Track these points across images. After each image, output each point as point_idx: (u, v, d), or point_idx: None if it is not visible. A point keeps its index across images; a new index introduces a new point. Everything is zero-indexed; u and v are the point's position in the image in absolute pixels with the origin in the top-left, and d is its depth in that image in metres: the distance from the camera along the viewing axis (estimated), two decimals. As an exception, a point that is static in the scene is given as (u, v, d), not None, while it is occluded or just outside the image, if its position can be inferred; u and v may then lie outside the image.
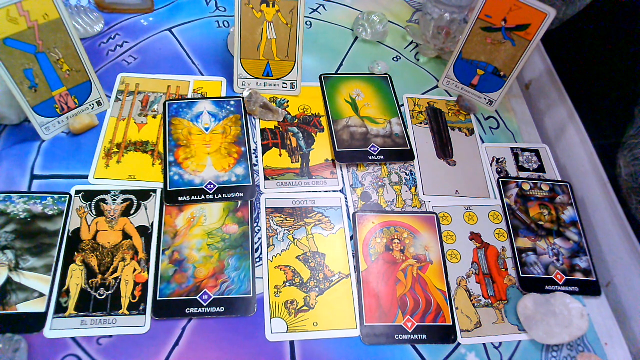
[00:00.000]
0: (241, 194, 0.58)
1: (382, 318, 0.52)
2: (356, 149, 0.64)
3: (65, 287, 0.49)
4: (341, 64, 0.75)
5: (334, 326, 0.51)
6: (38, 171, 0.57)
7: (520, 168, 0.67)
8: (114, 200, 0.56)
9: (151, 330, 0.49)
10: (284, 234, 0.56)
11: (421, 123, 0.69)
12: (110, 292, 0.50)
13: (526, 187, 0.64)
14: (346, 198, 0.60)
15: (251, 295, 0.51)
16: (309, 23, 0.79)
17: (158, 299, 0.50)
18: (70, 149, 0.59)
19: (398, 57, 0.77)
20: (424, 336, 0.52)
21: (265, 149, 0.63)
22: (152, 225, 0.55)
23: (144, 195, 0.56)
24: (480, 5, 0.66)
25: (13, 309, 0.48)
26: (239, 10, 0.63)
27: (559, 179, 0.66)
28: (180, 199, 0.56)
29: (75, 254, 0.52)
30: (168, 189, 0.57)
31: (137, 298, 0.50)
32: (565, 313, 0.52)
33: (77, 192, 0.56)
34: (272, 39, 0.65)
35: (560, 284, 0.57)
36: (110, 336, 0.48)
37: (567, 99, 0.72)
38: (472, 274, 0.57)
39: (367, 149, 0.64)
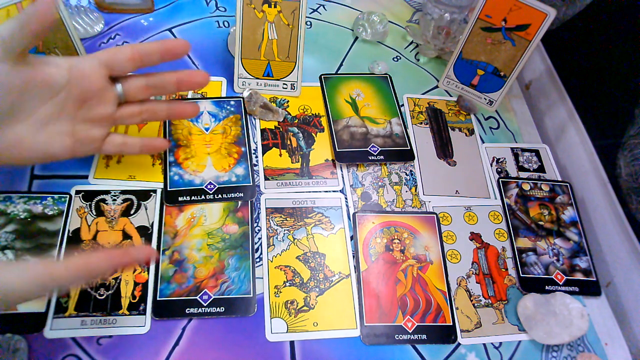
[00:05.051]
0: (241, 194, 0.58)
1: (382, 318, 0.52)
2: (356, 149, 0.64)
3: (65, 287, 0.50)
4: (341, 64, 0.75)
5: (334, 326, 0.51)
6: (38, 171, 0.57)
7: (520, 168, 0.67)
8: (114, 200, 0.56)
9: (151, 330, 0.49)
10: (284, 234, 0.56)
11: (421, 123, 0.69)
12: (110, 292, 0.50)
13: (526, 187, 0.64)
14: (346, 198, 0.60)
15: (251, 295, 0.51)
16: (309, 23, 0.79)
17: (158, 299, 0.50)
18: (70, 149, 0.59)
19: (398, 57, 0.78)
20: (424, 336, 0.52)
21: (265, 149, 0.63)
22: (152, 225, 0.55)
23: (144, 195, 0.56)
24: (480, 5, 0.66)
25: (13, 309, 0.48)
26: (240, 10, 0.63)
27: (559, 179, 0.66)
28: (180, 199, 0.56)
29: (75, 254, 0.51)
30: (168, 189, 0.57)
31: (137, 298, 0.50)
32: (565, 313, 0.52)
33: (77, 192, 0.56)
34: (273, 39, 0.65)
35: (560, 284, 0.57)
36: (110, 336, 0.48)
37: (567, 99, 0.72)
38: (472, 274, 0.57)
39: (367, 149, 0.64)
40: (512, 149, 0.69)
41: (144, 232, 0.54)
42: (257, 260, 0.54)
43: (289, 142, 0.64)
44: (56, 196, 0.55)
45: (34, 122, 0.42)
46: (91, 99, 0.44)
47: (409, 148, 0.65)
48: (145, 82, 0.47)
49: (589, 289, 0.57)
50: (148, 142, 0.52)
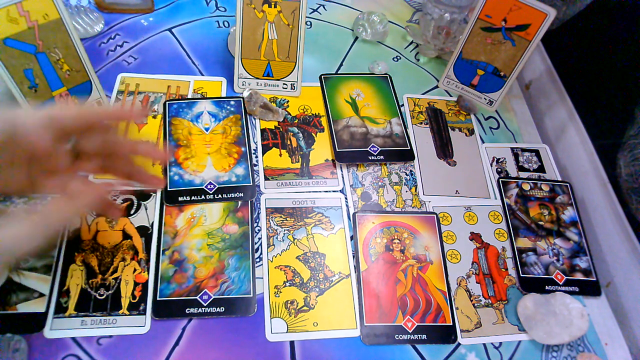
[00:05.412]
0: (241, 194, 0.58)
1: (382, 318, 0.52)
2: (356, 149, 0.64)
3: (65, 287, 0.49)
4: (341, 64, 0.75)
5: (334, 326, 0.51)
6: (38, 171, 0.57)
7: (520, 168, 0.67)
8: (114, 200, 0.56)
9: (151, 330, 0.49)
10: (284, 234, 0.56)
11: (421, 123, 0.69)
12: (110, 292, 0.50)
13: (526, 187, 0.64)
14: (346, 198, 0.60)
15: (251, 295, 0.51)
16: (309, 23, 0.79)
17: (158, 299, 0.50)
18: (70, 149, 0.59)
19: (398, 57, 0.78)
20: (424, 336, 0.52)
21: (265, 149, 0.63)
22: (152, 225, 0.55)
23: (144, 195, 0.56)
24: (480, 5, 0.66)
25: (13, 309, 0.48)
26: (240, 10, 0.63)
27: (559, 179, 0.66)
28: (180, 199, 0.56)
29: (75, 254, 0.52)
30: (168, 189, 0.57)
31: (137, 298, 0.50)
32: (565, 313, 0.52)
33: (77, 192, 0.55)
34: (273, 39, 0.65)
35: (560, 284, 0.57)
36: (110, 336, 0.48)
37: (567, 99, 0.72)
38: (472, 274, 0.57)
39: (367, 149, 0.64)
40: (512, 149, 0.69)
41: (144, 232, 0.54)
42: (257, 260, 0.54)
43: (289, 142, 0.64)
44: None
45: None
46: (40, 156, 0.40)
47: (409, 148, 0.65)
48: (101, 140, 0.44)
49: (589, 289, 0.57)
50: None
